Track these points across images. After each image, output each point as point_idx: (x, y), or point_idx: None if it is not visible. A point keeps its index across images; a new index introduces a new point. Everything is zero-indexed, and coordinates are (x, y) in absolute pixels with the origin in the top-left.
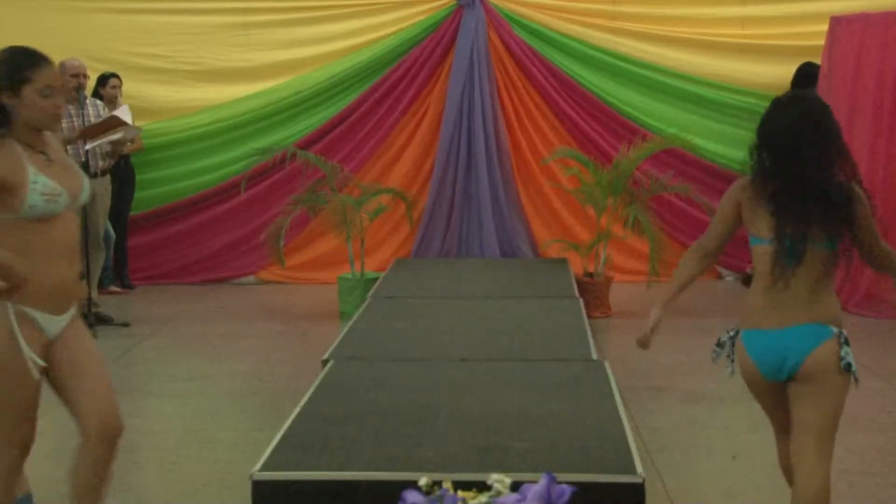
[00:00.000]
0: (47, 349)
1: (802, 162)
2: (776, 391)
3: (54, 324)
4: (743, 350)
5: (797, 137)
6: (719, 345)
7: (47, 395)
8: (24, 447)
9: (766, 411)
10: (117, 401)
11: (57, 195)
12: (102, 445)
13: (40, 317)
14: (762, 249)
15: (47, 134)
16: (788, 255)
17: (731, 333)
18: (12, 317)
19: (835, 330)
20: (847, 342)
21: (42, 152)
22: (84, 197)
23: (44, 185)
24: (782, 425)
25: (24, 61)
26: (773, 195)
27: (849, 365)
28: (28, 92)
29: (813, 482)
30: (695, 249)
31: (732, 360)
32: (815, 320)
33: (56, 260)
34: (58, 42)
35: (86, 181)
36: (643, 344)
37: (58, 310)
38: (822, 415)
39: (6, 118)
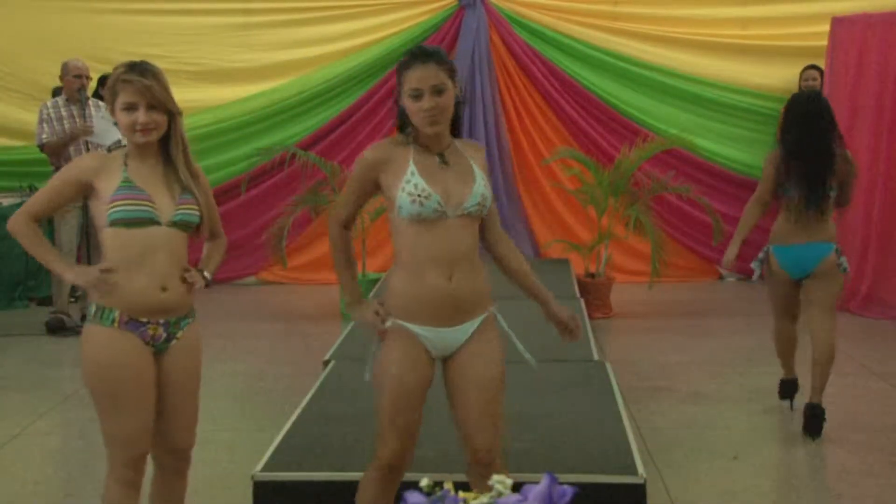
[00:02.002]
0: (440, 363)
1: (821, 137)
2: (793, 285)
3: (440, 335)
4: (775, 259)
5: (815, 121)
6: (759, 261)
7: (46, 396)
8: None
9: (779, 301)
10: (494, 424)
11: (424, 198)
12: (478, 468)
13: (422, 330)
14: (790, 196)
15: (463, 141)
16: (809, 200)
17: (764, 252)
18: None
19: (835, 245)
20: (840, 252)
21: (440, 154)
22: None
23: (414, 185)
24: (787, 310)
25: (404, 62)
26: (799, 160)
27: (845, 268)
28: (403, 93)
29: (828, 334)
30: (756, 203)
31: (761, 267)
32: (824, 240)
33: (432, 269)
34: (59, 43)
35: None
36: (728, 263)
37: (440, 321)
38: (830, 295)
39: (400, 122)
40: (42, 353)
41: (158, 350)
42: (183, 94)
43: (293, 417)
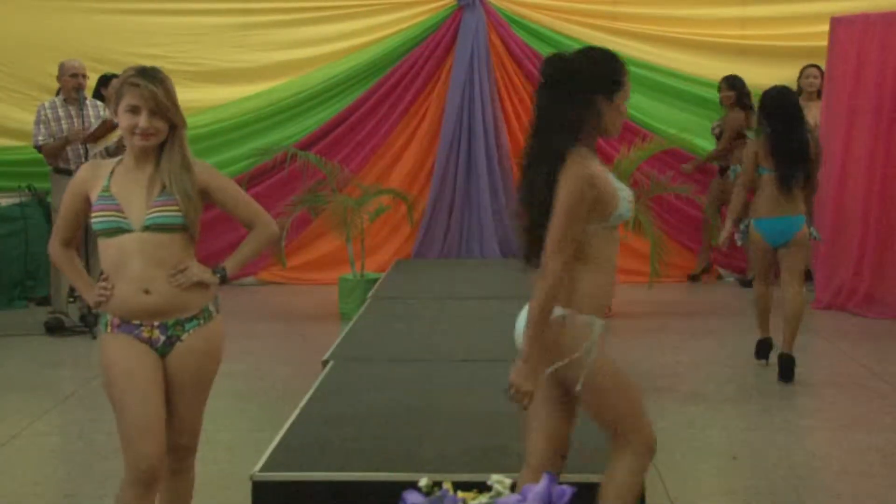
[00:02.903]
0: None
1: (795, 125)
2: (771, 252)
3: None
4: (755, 230)
5: (791, 112)
6: (742, 232)
7: (46, 396)
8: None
9: (760, 265)
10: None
11: (631, 202)
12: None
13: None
14: (768, 176)
15: None
16: (785, 179)
17: (745, 224)
18: (597, 330)
19: (804, 217)
20: (811, 223)
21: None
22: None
23: (625, 191)
24: (766, 274)
25: (620, 67)
26: (776, 145)
27: (816, 236)
28: (619, 98)
29: (798, 293)
30: (742, 188)
31: (744, 238)
32: (797, 213)
33: (614, 267)
34: (58, 42)
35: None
36: (723, 242)
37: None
38: (801, 261)
39: (582, 124)
40: (41, 353)
41: (163, 352)
42: (182, 94)
43: (292, 417)
